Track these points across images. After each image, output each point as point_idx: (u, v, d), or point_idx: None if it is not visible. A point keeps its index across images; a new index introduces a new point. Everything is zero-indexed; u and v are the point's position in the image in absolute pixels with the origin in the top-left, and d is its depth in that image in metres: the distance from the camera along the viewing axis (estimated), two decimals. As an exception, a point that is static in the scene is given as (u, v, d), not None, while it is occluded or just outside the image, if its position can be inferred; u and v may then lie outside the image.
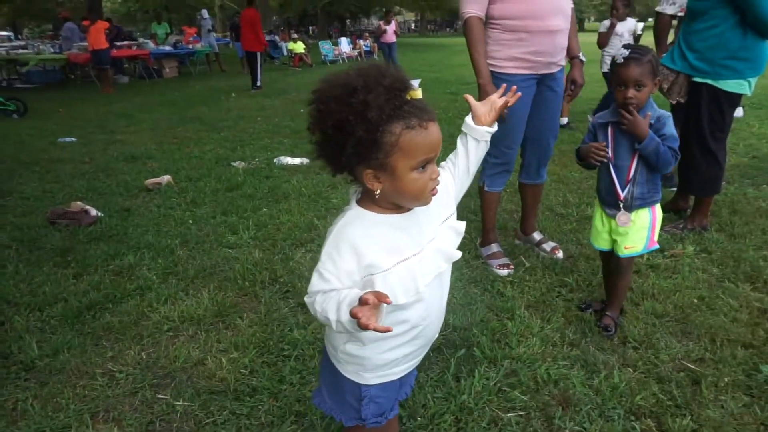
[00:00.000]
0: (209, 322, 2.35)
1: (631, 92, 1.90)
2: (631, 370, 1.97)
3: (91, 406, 1.85)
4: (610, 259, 2.23)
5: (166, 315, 2.39)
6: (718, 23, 2.80)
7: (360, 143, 0.95)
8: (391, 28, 12.85)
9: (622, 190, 2.03)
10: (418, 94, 1.00)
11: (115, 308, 2.47)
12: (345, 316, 0.97)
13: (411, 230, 1.08)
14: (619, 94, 1.93)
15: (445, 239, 1.13)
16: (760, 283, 2.53)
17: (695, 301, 2.39)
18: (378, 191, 1.02)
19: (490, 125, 1.29)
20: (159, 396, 1.90)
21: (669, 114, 1.98)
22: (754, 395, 1.83)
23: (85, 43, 11.45)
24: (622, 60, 1.89)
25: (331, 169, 1.05)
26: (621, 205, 2.05)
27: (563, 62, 2.62)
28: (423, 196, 1.03)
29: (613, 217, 2.08)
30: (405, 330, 1.13)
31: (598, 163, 2.03)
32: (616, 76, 1.94)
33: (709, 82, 2.90)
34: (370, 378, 1.18)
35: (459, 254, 1.15)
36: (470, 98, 1.35)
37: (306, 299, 1.09)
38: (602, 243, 2.20)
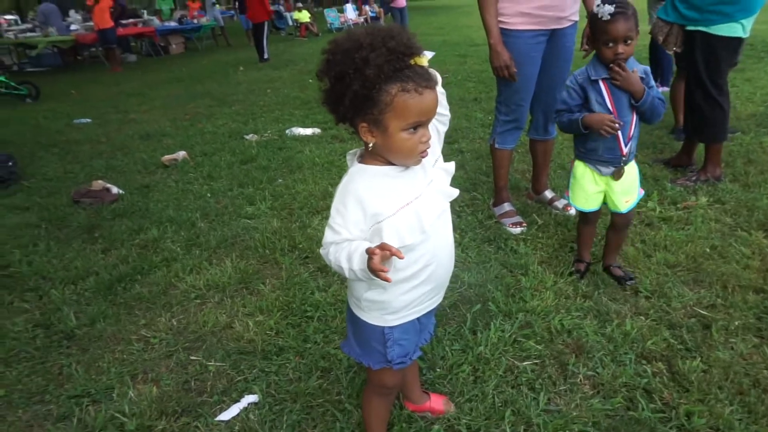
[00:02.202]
0: (234, 288, 2.45)
1: (621, 48, 1.88)
2: (643, 318, 2.03)
3: (130, 369, 1.97)
4: (596, 217, 2.30)
5: (192, 284, 2.50)
6: None
7: (356, 96, 1.04)
8: None
9: (626, 146, 2.03)
10: (423, 61, 1.06)
11: (143, 279, 2.59)
12: (357, 265, 1.08)
13: (408, 177, 1.16)
14: (609, 51, 1.90)
15: (439, 181, 1.21)
16: (773, 230, 2.55)
17: (707, 250, 2.43)
18: (371, 144, 1.11)
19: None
20: (192, 358, 2.02)
21: (647, 66, 2.02)
22: (764, 336, 1.88)
23: (67, 23, 11.42)
24: (609, 17, 1.85)
25: (334, 118, 1.15)
26: (622, 160, 2.06)
27: (575, 17, 2.59)
28: (412, 156, 1.12)
29: (609, 174, 2.08)
30: (418, 269, 1.21)
31: (609, 135, 1.96)
32: (602, 33, 1.89)
33: (701, 29, 2.91)
34: (392, 320, 1.27)
35: (456, 191, 1.23)
36: None
37: (321, 251, 1.20)
38: (593, 204, 2.18)
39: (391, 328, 1.28)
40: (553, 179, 3.35)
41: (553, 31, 2.55)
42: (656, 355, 1.83)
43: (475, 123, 4.81)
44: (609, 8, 1.85)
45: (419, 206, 1.15)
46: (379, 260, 1.02)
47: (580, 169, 2.17)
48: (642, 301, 2.13)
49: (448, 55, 9.18)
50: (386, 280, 1.04)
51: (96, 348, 2.11)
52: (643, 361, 1.81)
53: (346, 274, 1.13)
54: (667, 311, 2.05)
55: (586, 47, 2.62)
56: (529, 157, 3.17)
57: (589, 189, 2.15)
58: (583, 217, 2.31)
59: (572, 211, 2.90)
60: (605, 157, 2.07)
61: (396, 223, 1.13)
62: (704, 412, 1.58)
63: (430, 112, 1.09)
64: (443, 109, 1.25)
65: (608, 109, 1.98)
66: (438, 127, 1.26)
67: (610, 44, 1.89)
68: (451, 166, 1.25)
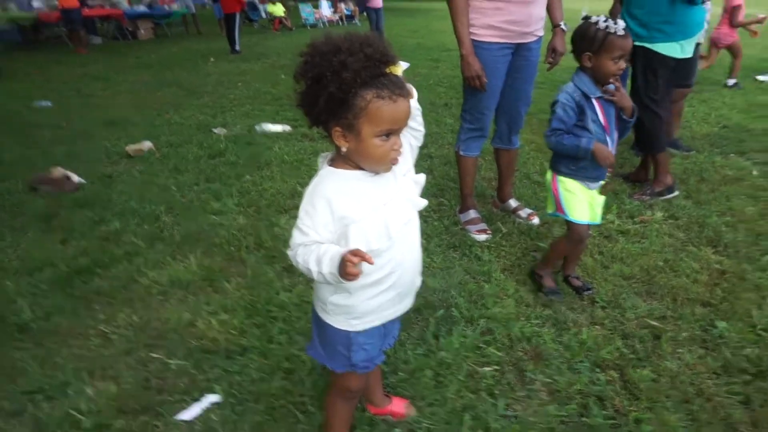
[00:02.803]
0: (198, 285, 2.43)
1: (623, 63, 1.94)
2: (598, 328, 2.11)
3: (87, 365, 1.93)
4: (588, 230, 2.23)
5: (155, 279, 2.46)
6: None
7: (331, 98, 1.06)
8: None
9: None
10: (398, 70, 1.10)
11: (104, 273, 2.53)
12: (326, 268, 1.11)
13: (378, 183, 1.18)
14: (614, 66, 1.92)
15: (408, 190, 1.24)
16: (721, 246, 2.69)
17: (660, 263, 2.54)
18: (344, 149, 1.12)
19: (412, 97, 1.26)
20: (153, 355, 1.99)
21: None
22: (709, 348, 1.99)
23: (37, 2, 11.03)
24: (623, 32, 1.89)
25: (308, 120, 1.16)
26: (607, 175, 2.12)
27: (540, 32, 2.68)
28: (383, 162, 1.14)
29: (596, 188, 2.15)
30: (383, 275, 1.24)
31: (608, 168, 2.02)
32: (614, 48, 1.90)
33: (645, 45, 3.09)
34: (357, 325, 1.30)
35: (424, 202, 1.27)
36: None
37: (288, 252, 1.21)
38: (591, 215, 2.15)
39: (356, 332, 1.30)
40: (518, 188, 3.44)
41: (519, 45, 2.62)
42: (610, 364, 1.91)
43: (445, 128, 4.87)
44: (622, 24, 1.89)
45: (387, 213, 1.18)
46: (353, 266, 1.05)
47: (572, 184, 2.12)
48: (598, 311, 2.22)
49: (421, 60, 9.24)
50: (355, 277, 1.07)
51: (51, 342, 2.05)
52: (597, 369, 1.89)
53: (315, 276, 1.15)
54: (621, 321, 2.15)
55: (551, 60, 2.72)
56: (495, 165, 3.24)
57: (586, 202, 2.13)
58: (584, 231, 2.18)
59: (536, 221, 2.98)
60: (593, 174, 2.10)
61: (364, 227, 1.16)
62: (652, 419, 1.66)
63: (402, 121, 1.12)
64: (417, 124, 1.29)
65: (602, 126, 2.01)
66: (411, 141, 1.29)
67: (617, 60, 1.91)
68: (422, 177, 1.28)
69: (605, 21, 1.93)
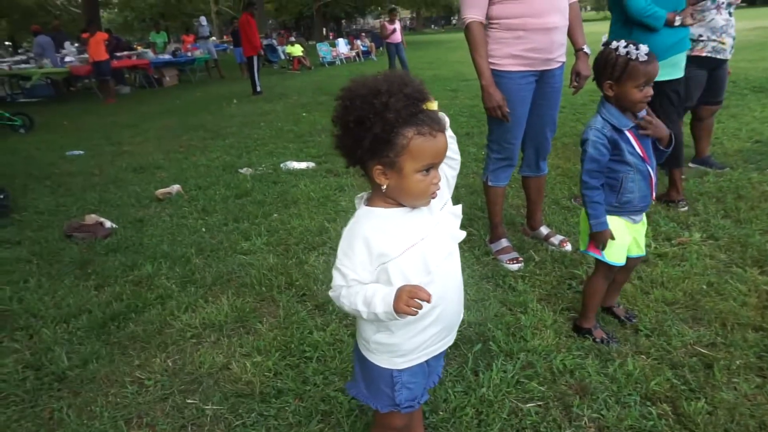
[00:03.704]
0: (230, 327, 2.42)
1: (650, 90, 1.83)
2: (644, 357, 2.02)
3: (124, 413, 1.92)
4: (619, 268, 2.12)
5: (188, 322, 2.46)
6: (615, 20, 3.21)
7: (376, 139, 1.07)
8: (397, 26, 12.55)
9: (655, 188, 1.99)
10: (434, 106, 1.12)
11: (138, 318, 2.54)
12: (380, 308, 1.11)
13: (415, 219, 1.18)
14: (640, 94, 1.82)
15: (446, 222, 1.23)
16: (768, 266, 2.58)
17: (704, 287, 2.44)
18: (385, 186, 1.13)
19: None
20: (188, 401, 1.97)
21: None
22: (766, 376, 1.88)
23: (62, 55, 11.54)
24: (646, 57, 1.79)
25: (347, 161, 1.17)
26: (651, 205, 2.03)
27: (563, 58, 2.67)
28: (424, 197, 1.15)
29: (641, 221, 2.06)
30: (426, 311, 1.21)
31: None
32: (637, 74, 1.80)
33: None
34: (401, 363, 1.27)
35: (463, 234, 1.26)
36: None
37: (330, 294, 1.21)
38: (625, 256, 2.06)
39: (399, 371, 1.28)
40: (548, 215, 3.38)
41: (543, 72, 2.62)
42: (660, 397, 1.81)
43: (469, 158, 4.86)
44: (644, 48, 1.79)
45: (425, 247, 1.17)
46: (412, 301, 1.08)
47: (614, 222, 1.98)
48: (642, 340, 2.12)
49: (439, 90, 9.34)
50: (413, 312, 1.08)
51: (88, 390, 2.05)
52: (648, 403, 1.80)
53: (364, 317, 1.16)
54: (668, 350, 2.05)
55: (576, 84, 2.70)
56: (523, 193, 3.20)
57: (625, 241, 2.03)
58: (611, 271, 2.10)
59: (568, 248, 2.91)
60: (639, 206, 1.99)
61: (401, 264, 1.15)
62: (712, 456, 1.56)
63: (442, 154, 1.14)
64: (453, 153, 1.28)
65: (641, 157, 1.91)
66: (447, 172, 1.28)
67: (643, 87, 1.82)
68: (459, 209, 1.27)
69: (626, 46, 1.81)
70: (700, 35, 3.52)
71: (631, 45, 1.82)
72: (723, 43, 3.55)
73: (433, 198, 1.17)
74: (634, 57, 1.81)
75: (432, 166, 1.12)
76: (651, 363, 1.99)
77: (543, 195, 3.15)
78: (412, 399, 1.31)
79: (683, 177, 3.85)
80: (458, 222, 1.26)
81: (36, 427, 1.88)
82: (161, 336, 2.39)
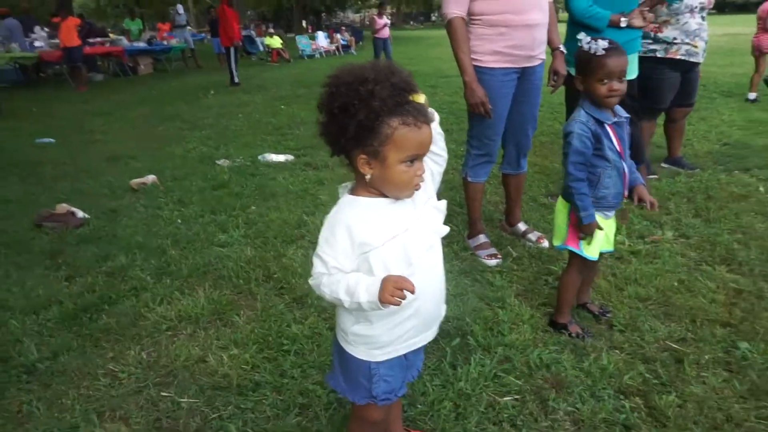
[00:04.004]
0: (207, 320, 2.38)
1: (616, 84, 1.84)
2: (618, 352, 2.06)
3: (96, 406, 1.88)
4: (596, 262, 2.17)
5: (163, 315, 2.42)
6: (568, 21, 3.15)
7: (360, 127, 1.07)
8: (386, 21, 12.42)
9: (626, 188, 2.02)
10: (421, 99, 1.12)
11: (111, 309, 2.49)
12: (364, 297, 1.11)
13: (399, 210, 1.18)
14: (603, 88, 1.85)
15: (430, 216, 1.24)
16: (735, 264, 2.66)
17: (675, 284, 2.51)
18: (369, 176, 1.13)
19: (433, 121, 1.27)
20: (163, 394, 1.93)
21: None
22: (733, 370, 1.94)
23: (31, 40, 11.19)
24: (603, 51, 1.82)
25: (331, 150, 1.17)
26: (624, 202, 2.05)
27: (543, 56, 2.70)
28: (408, 188, 1.15)
29: (612, 216, 2.09)
30: (409, 302, 1.20)
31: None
32: (597, 69, 1.84)
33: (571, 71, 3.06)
34: (379, 355, 1.27)
35: (446, 229, 1.26)
36: None
37: (311, 281, 1.21)
38: (609, 243, 2.13)
39: (377, 363, 1.28)
40: (525, 212, 3.42)
41: (525, 69, 2.64)
42: (633, 390, 1.86)
43: (449, 154, 4.87)
44: (603, 43, 1.82)
45: (407, 239, 1.17)
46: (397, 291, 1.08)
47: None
48: (617, 335, 2.17)
49: (419, 86, 9.33)
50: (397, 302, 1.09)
51: (59, 383, 2.00)
52: (621, 396, 1.84)
53: (346, 305, 1.15)
54: (641, 345, 2.10)
55: (553, 83, 2.73)
56: (502, 189, 3.23)
57: (600, 236, 2.05)
58: (586, 266, 2.15)
59: (545, 244, 2.95)
60: (613, 202, 2.03)
61: (383, 254, 1.15)
62: (682, 448, 1.61)
63: (426, 146, 1.14)
64: (439, 149, 1.28)
65: (618, 154, 1.94)
66: (432, 168, 1.28)
67: (605, 81, 1.84)
68: (443, 204, 1.27)
69: (588, 42, 1.87)
70: (675, 38, 3.59)
71: (593, 40, 1.86)
72: (696, 47, 3.64)
73: (417, 190, 1.17)
74: (592, 51, 1.85)
75: (416, 158, 1.12)
76: (624, 358, 2.03)
77: (522, 192, 3.19)
78: (389, 392, 1.31)
79: (654, 176, 3.95)
80: (442, 217, 1.26)
81: (3, 421, 1.82)
82: (135, 328, 2.34)
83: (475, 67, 2.57)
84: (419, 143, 1.11)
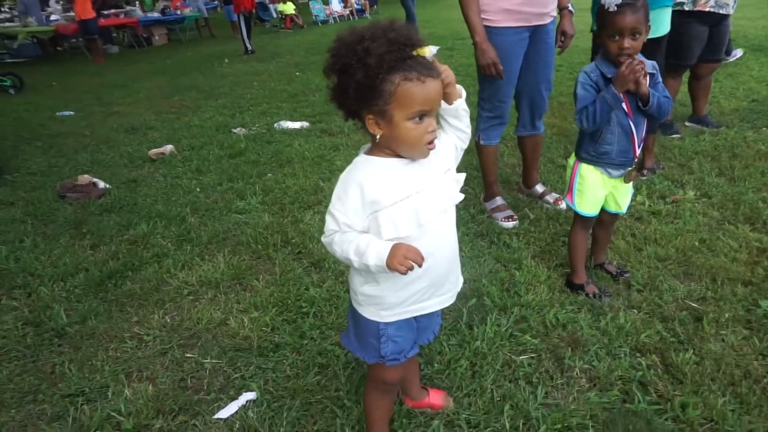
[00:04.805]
0: (227, 284, 2.43)
1: (627, 42, 1.77)
2: (635, 312, 2.06)
3: (124, 367, 1.95)
4: (594, 220, 2.17)
5: (184, 280, 2.48)
6: None
7: (360, 87, 1.05)
8: None
9: (639, 148, 1.97)
10: (425, 52, 1.08)
11: (134, 276, 2.55)
12: (372, 261, 1.11)
13: (414, 172, 1.17)
14: (613, 45, 1.80)
15: (446, 183, 1.23)
16: (759, 223, 2.60)
17: (696, 243, 2.47)
18: (378, 136, 1.12)
19: (459, 97, 1.27)
20: (187, 355, 2.00)
21: (655, 62, 1.93)
22: (753, 328, 1.92)
23: (47, 13, 11.17)
24: (616, 8, 1.76)
25: (343, 114, 1.16)
26: (634, 162, 2.01)
27: (554, 13, 2.61)
28: (418, 146, 1.12)
29: (619, 176, 2.03)
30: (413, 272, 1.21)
31: (639, 75, 1.78)
32: (609, 25, 1.79)
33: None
34: (387, 316, 1.28)
35: (461, 196, 1.25)
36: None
37: (323, 239, 1.21)
38: (598, 208, 2.11)
39: (386, 324, 1.29)
40: (543, 173, 3.38)
41: (536, 27, 2.56)
42: (650, 348, 1.86)
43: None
44: None
45: (419, 201, 1.16)
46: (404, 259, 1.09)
47: (591, 173, 2.04)
48: (634, 295, 2.16)
49: (439, 48, 9.15)
50: (402, 273, 1.10)
51: (88, 346, 2.08)
52: (638, 354, 1.84)
53: (355, 266, 1.16)
54: (659, 304, 2.09)
55: (561, 43, 2.65)
56: (518, 151, 3.18)
57: (598, 194, 2.06)
58: (585, 222, 2.17)
59: (563, 206, 2.92)
60: (617, 161, 1.98)
61: (393, 213, 1.15)
62: (698, 403, 1.61)
63: (434, 101, 1.11)
64: (464, 126, 1.28)
65: (624, 110, 1.89)
66: (456, 143, 1.28)
67: (616, 37, 1.79)
68: (462, 176, 1.27)
69: None
70: None
71: None
72: None
73: (431, 148, 1.15)
74: (606, 6, 1.80)
75: (424, 114, 1.09)
76: (642, 317, 2.02)
77: (539, 154, 3.14)
78: (398, 352, 1.32)
79: (678, 135, 3.85)
80: (458, 187, 1.26)
81: (38, 381, 1.91)
82: (158, 293, 2.40)
83: (486, 27, 2.49)
84: (425, 98, 1.07)
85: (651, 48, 2.82)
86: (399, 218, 1.15)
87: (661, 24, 2.95)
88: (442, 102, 1.28)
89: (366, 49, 1.02)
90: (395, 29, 1.05)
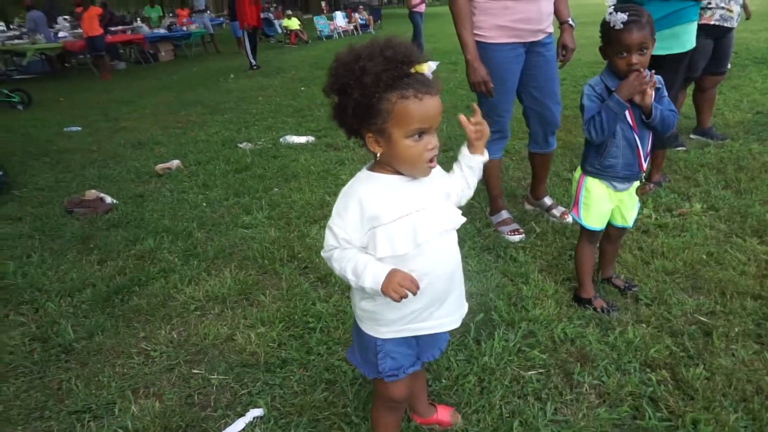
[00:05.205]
0: (234, 300, 2.43)
1: (635, 58, 1.78)
2: (644, 326, 2.04)
3: (131, 383, 1.95)
4: (600, 234, 2.17)
5: (191, 295, 2.48)
6: None
7: (358, 106, 1.06)
8: None
9: (645, 161, 1.97)
10: (424, 68, 1.08)
11: (141, 291, 2.56)
12: (368, 283, 1.12)
13: (415, 190, 1.18)
14: (621, 62, 1.81)
15: (448, 206, 1.24)
16: (767, 236, 2.58)
17: (704, 257, 2.46)
18: (379, 154, 1.14)
19: (483, 154, 1.35)
20: (194, 371, 1.99)
21: (660, 76, 1.91)
22: (764, 343, 1.90)
23: (55, 30, 11.32)
24: (622, 25, 1.77)
25: (345, 132, 1.18)
26: (641, 176, 2.01)
27: (550, 29, 2.62)
28: (418, 164, 1.13)
29: (625, 189, 2.03)
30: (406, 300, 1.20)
31: (646, 86, 1.80)
32: (615, 42, 1.80)
33: None
34: (385, 332, 1.28)
35: (463, 219, 1.26)
36: (465, 123, 1.31)
37: (323, 254, 1.22)
38: (604, 222, 2.10)
39: (383, 340, 1.29)
40: (549, 186, 3.37)
41: (531, 43, 2.57)
42: (660, 363, 1.84)
43: (469, 131, 4.82)
44: (622, 16, 1.77)
45: (418, 219, 1.16)
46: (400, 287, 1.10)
47: (596, 187, 2.04)
48: (643, 309, 2.15)
49: (439, 63, 9.21)
50: (396, 300, 1.11)
51: (95, 362, 2.08)
52: (647, 369, 1.82)
53: (352, 284, 1.18)
54: (668, 318, 2.07)
55: (562, 58, 2.66)
56: (525, 164, 3.19)
57: (604, 208, 2.06)
58: (592, 236, 2.16)
59: (569, 219, 2.91)
60: (622, 174, 1.98)
61: (391, 230, 1.15)
62: (710, 419, 1.59)
63: (433, 118, 1.10)
64: (471, 181, 1.34)
65: (629, 123, 1.90)
66: (460, 195, 1.34)
67: (624, 54, 1.80)
68: (462, 219, 1.28)
69: (611, 12, 1.82)
70: (710, 2, 3.44)
71: (615, 11, 1.80)
72: (731, 11, 3.49)
73: (431, 167, 1.15)
74: (612, 24, 1.80)
75: (423, 131, 1.10)
76: (651, 331, 2.01)
77: (548, 170, 3.11)
78: (396, 368, 1.31)
79: (683, 148, 3.85)
80: (459, 212, 1.27)
81: (45, 398, 1.90)
82: (165, 309, 2.41)
83: (481, 43, 2.50)
84: (423, 116, 1.07)
85: (674, 64, 2.82)
86: (396, 236, 1.15)
87: (689, 39, 2.87)
88: (464, 149, 1.33)
89: (362, 68, 1.03)
90: (392, 47, 1.06)
